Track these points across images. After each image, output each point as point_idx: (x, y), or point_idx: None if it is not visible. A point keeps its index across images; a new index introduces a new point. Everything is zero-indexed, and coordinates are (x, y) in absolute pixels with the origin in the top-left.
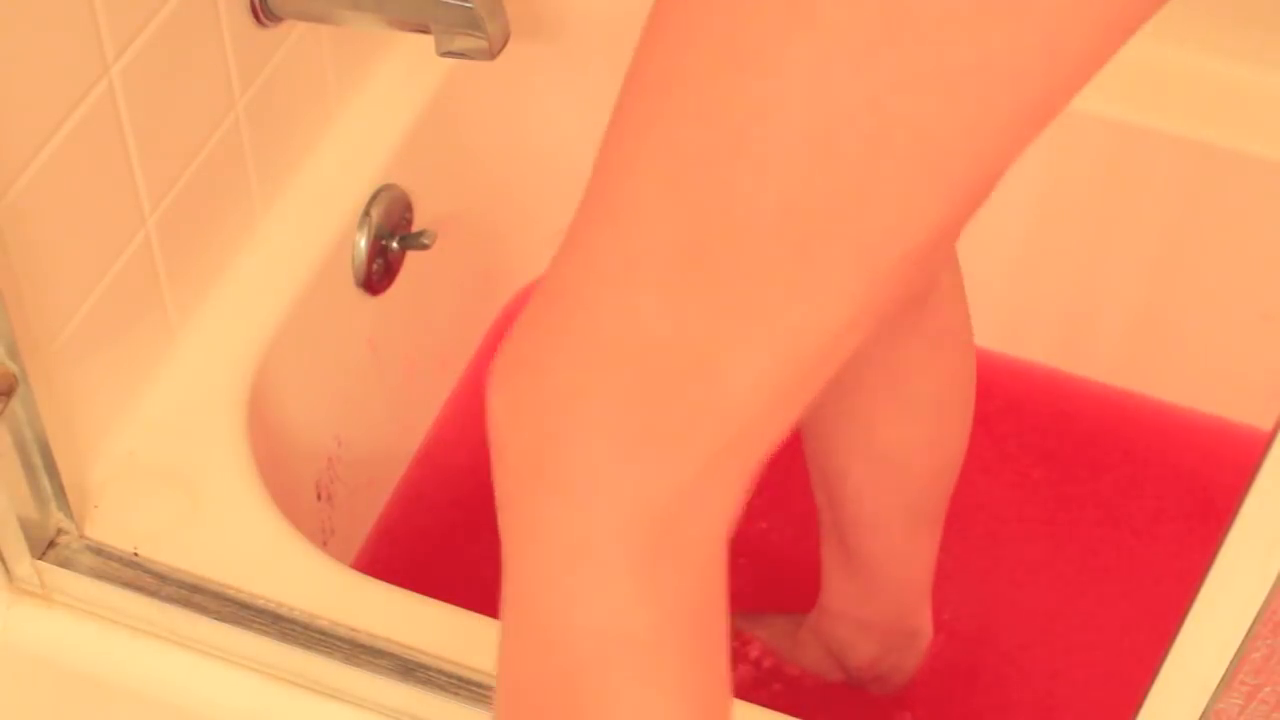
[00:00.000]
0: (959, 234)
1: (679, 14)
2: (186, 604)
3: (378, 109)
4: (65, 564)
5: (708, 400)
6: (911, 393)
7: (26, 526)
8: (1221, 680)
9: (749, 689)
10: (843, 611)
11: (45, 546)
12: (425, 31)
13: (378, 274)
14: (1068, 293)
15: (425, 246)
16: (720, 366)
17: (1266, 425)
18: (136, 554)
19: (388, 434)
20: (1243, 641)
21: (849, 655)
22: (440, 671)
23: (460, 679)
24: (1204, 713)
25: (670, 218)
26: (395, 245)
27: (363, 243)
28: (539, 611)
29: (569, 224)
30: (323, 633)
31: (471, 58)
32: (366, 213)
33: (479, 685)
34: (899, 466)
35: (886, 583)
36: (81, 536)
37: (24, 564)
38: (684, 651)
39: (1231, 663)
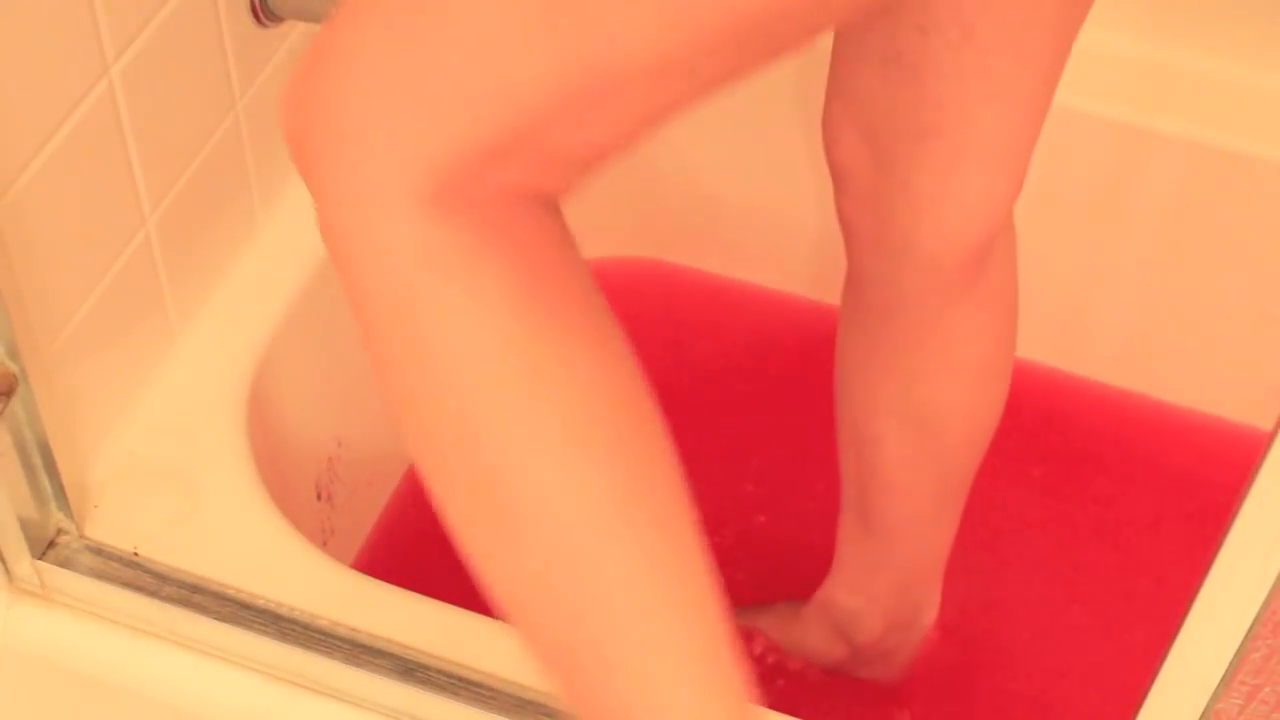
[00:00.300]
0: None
1: None
2: (186, 604)
3: None
4: (65, 564)
5: (485, 82)
6: (958, 356)
7: (26, 526)
8: (1221, 680)
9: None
10: (854, 581)
11: (45, 546)
12: None
13: None
14: (1067, 293)
15: None
16: (501, 52)
17: (1266, 425)
18: (136, 554)
19: (388, 434)
20: (1243, 641)
21: (856, 630)
22: (440, 671)
23: (460, 679)
24: (1204, 713)
25: None
26: None
27: None
28: (355, 272)
29: None
30: (323, 633)
31: None
32: None
33: (479, 685)
34: (936, 431)
35: (903, 553)
36: (81, 536)
37: (24, 564)
38: (500, 271)
39: (1231, 663)
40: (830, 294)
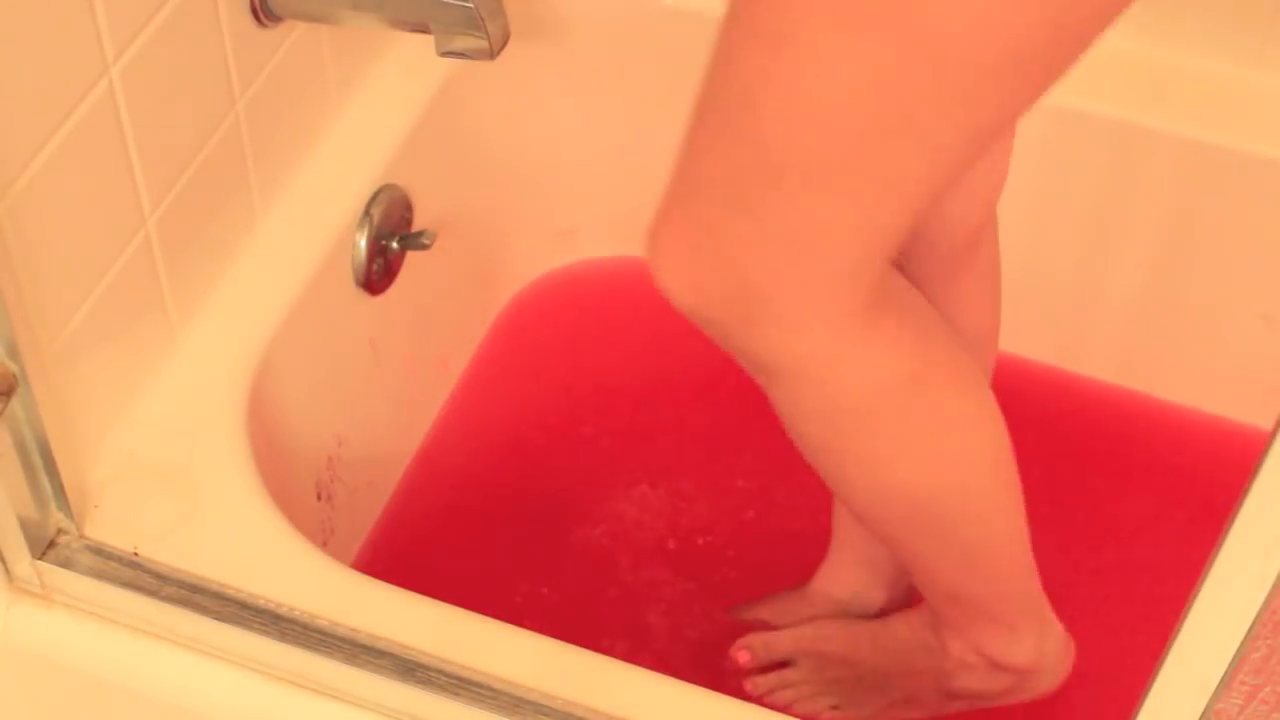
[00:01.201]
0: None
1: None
2: (186, 604)
3: (378, 109)
4: (65, 564)
5: (841, 250)
6: (959, 326)
7: (26, 526)
8: (1221, 680)
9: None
10: (854, 551)
11: (45, 546)
12: (425, 31)
13: (378, 274)
14: (1067, 292)
15: (425, 246)
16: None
17: (1266, 424)
18: (136, 554)
19: (388, 434)
20: (1243, 641)
21: (860, 603)
22: (440, 671)
23: (460, 679)
24: (1204, 713)
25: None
26: (395, 245)
27: (363, 243)
28: (825, 410)
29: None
30: (323, 633)
31: (471, 58)
32: (366, 213)
33: (479, 685)
34: None
35: None
36: (81, 536)
37: (24, 564)
38: (940, 368)
39: (1231, 663)
40: None
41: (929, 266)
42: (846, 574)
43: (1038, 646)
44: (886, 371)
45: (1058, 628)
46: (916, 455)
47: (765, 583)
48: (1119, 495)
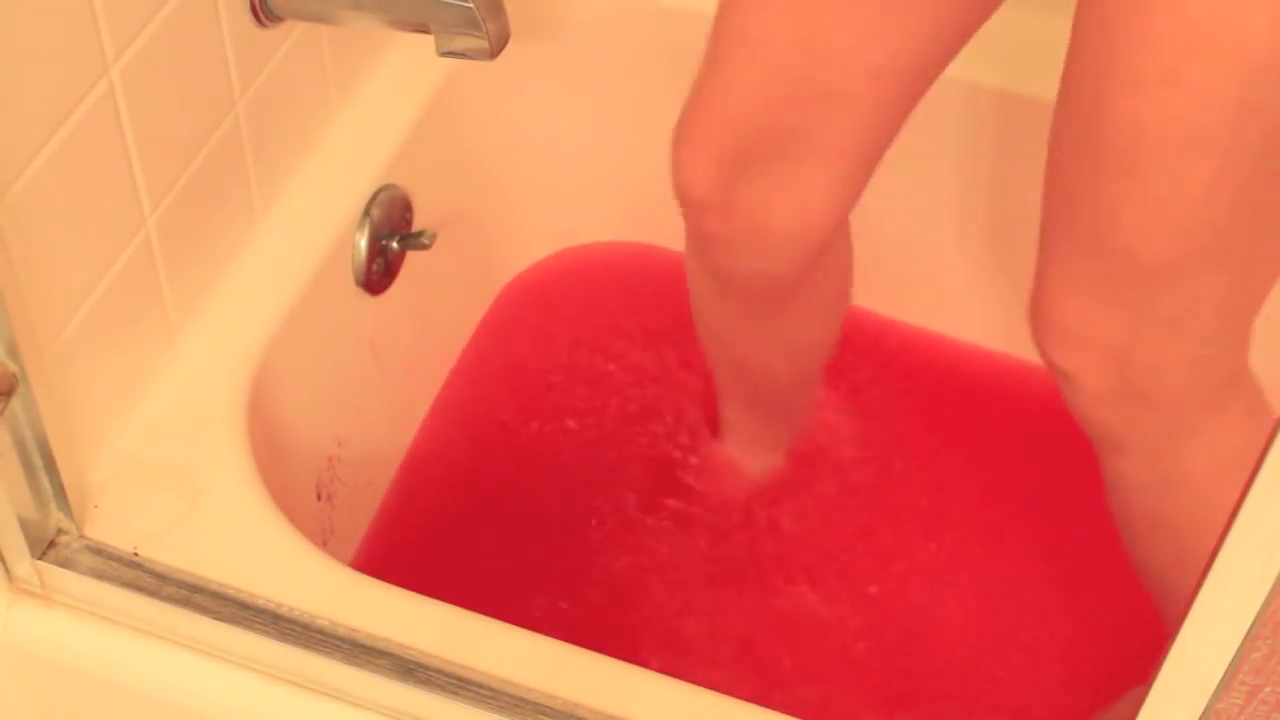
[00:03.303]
0: None
1: None
2: (186, 604)
3: (378, 109)
4: (65, 564)
5: (1213, 332)
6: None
7: (26, 526)
8: (1221, 680)
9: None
10: (743, 440)
11: (45, 546)
12: (425, 31)
13: (378, 274)
14: None
15: (425, 246)
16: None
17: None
18: (136, 554)
19: (388, 434)
20: (1243, 641)
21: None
22: (440, 671)
23: (460, 679)
24: (1204, 713)
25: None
26: (395, 245)
27: (363, 243)
28: (1166, 482)
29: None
30: (323, 633)
31: (471, 58)
32: (366, 213)
33: (479, 685)
34: (803, 351)
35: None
36: (81, 536)
37: (24, 564)
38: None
39: (1231, 663)
40: None
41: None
42: (733, 453)
43: None
44: (1225, 448)
45: None
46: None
47: (765, 573)
48: None
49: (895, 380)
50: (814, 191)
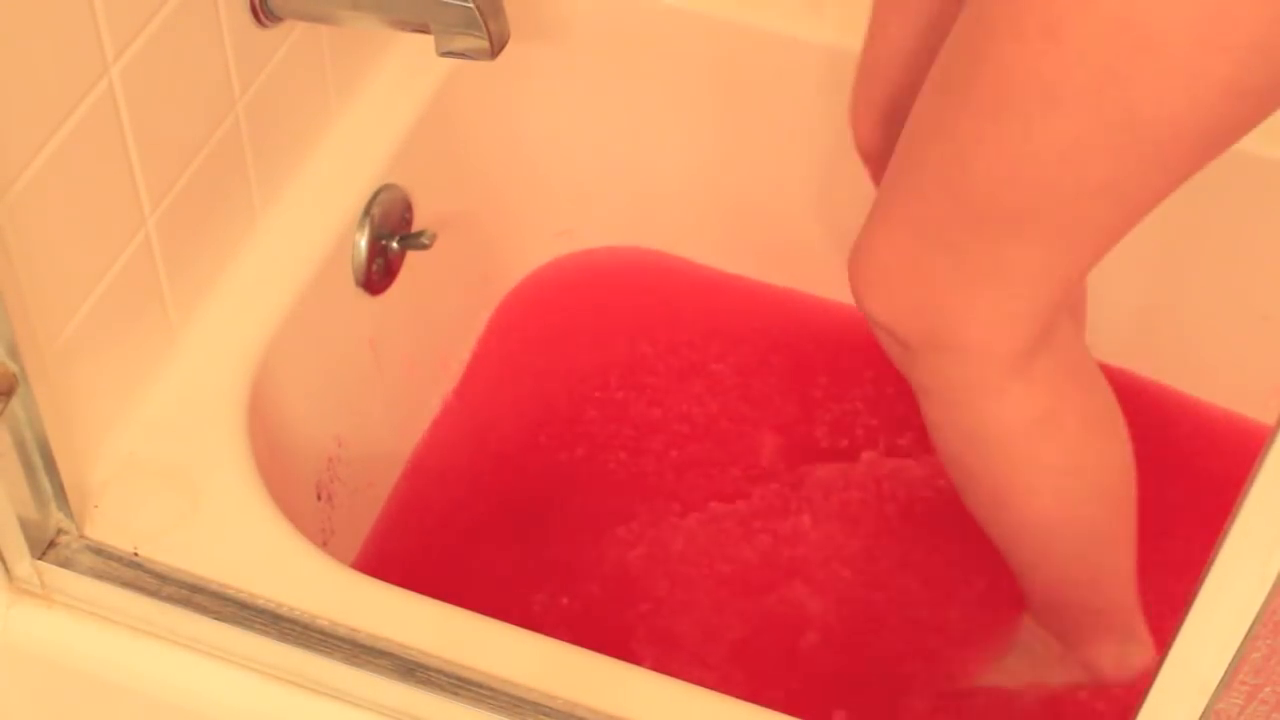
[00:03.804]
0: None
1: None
2: (186, 604)
3: (378, 109)
4: (65, 564)
5: (1029, 290)
6: None
7: (26, 526)
8: (1221, 680)
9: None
10: None
11: (45, 546)
12: (425, 31)
13: (378, 274)
14: None
15: (425, 246)
16: (1032, 272)
17: (1267, 420)
18: (136, 554)
19: (388, 434)
20: (1243, 641)
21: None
22: (440, 671)
23: (460, 679)
24: (1204, 713)
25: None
26: (395, 245)
27: (363, 243)
28: (971, 434)
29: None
30: (323, 633)
31: (471, 58)
32: (366, 213)
33: (479, 685)
34: None
35: None
36: (81, 536)
37: (24, 564)
38: (1076, 410)
39: (1231, 663)
40: (824, 289)
41: None
42: None
43: (1119, 656)
44: (1030, 406)
45: (1145, 637)
46: (1044, 489)
47: (770, 574)
48: None
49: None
50: None
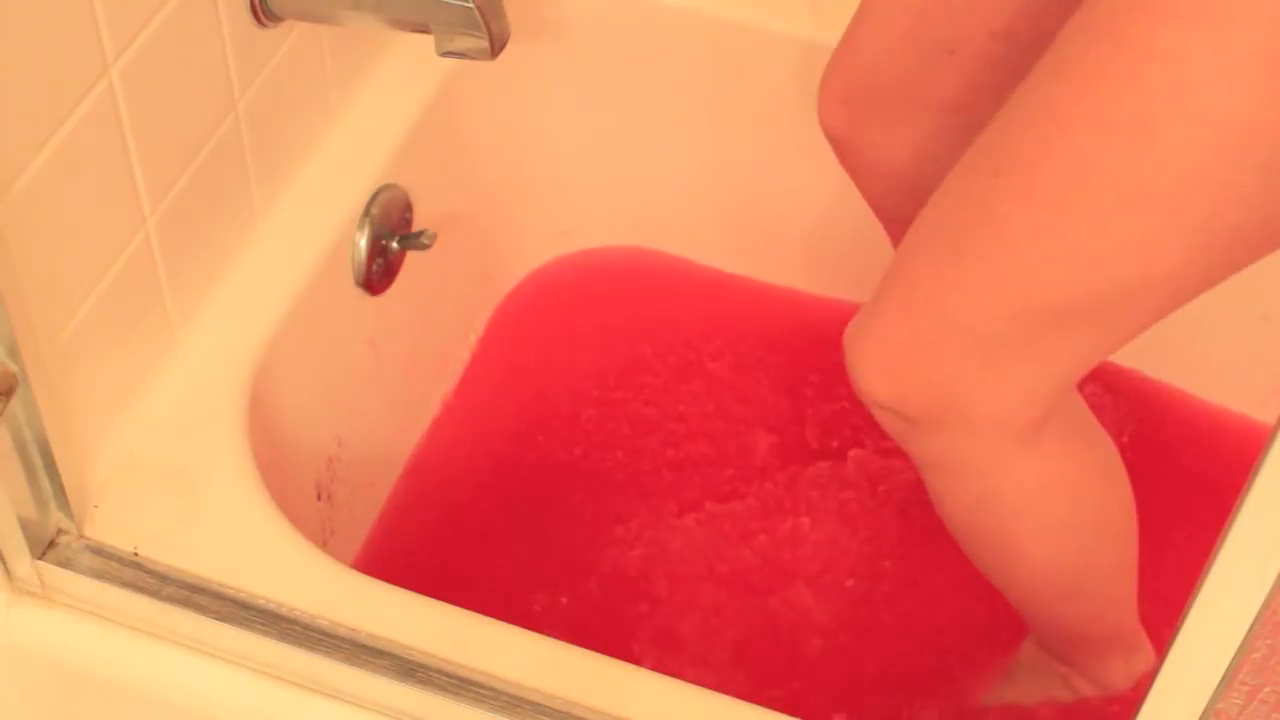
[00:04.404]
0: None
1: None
2: (186, 604)
3: (378, 109)
4: (65, 564)
5: (1057, 372)
6: None
7: (26, 526)
8: (1221, 680)
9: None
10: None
11: (45, 546)
12: (425, 31)
13: (378, 274)
14: None
15: (425, 246)
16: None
17: (1268, 419)
18: (136, 554)
19: (388, 434)
20: (1243, 641)
21: None
22: (440, 671)
23: (460, 679)
24: (1204, 713)
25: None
26: (395, 245)
27: (363, 243)
28: (979, 503)
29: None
30: (323, 633)
31: (471, 58)
32: (366, 213)
33: (479, 685)
34: None
35: None
36: (81, 536)
37: (24, 564)
38: (1084, 465)
39: (1231, 663)
40: (823, 287)
41: None
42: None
43: (1125, 669)
44: (1042, 473)
45: (1146, 646)
46: (1052, 543)
47: (770, 574)
48: None
49: None
50: (927, 136)
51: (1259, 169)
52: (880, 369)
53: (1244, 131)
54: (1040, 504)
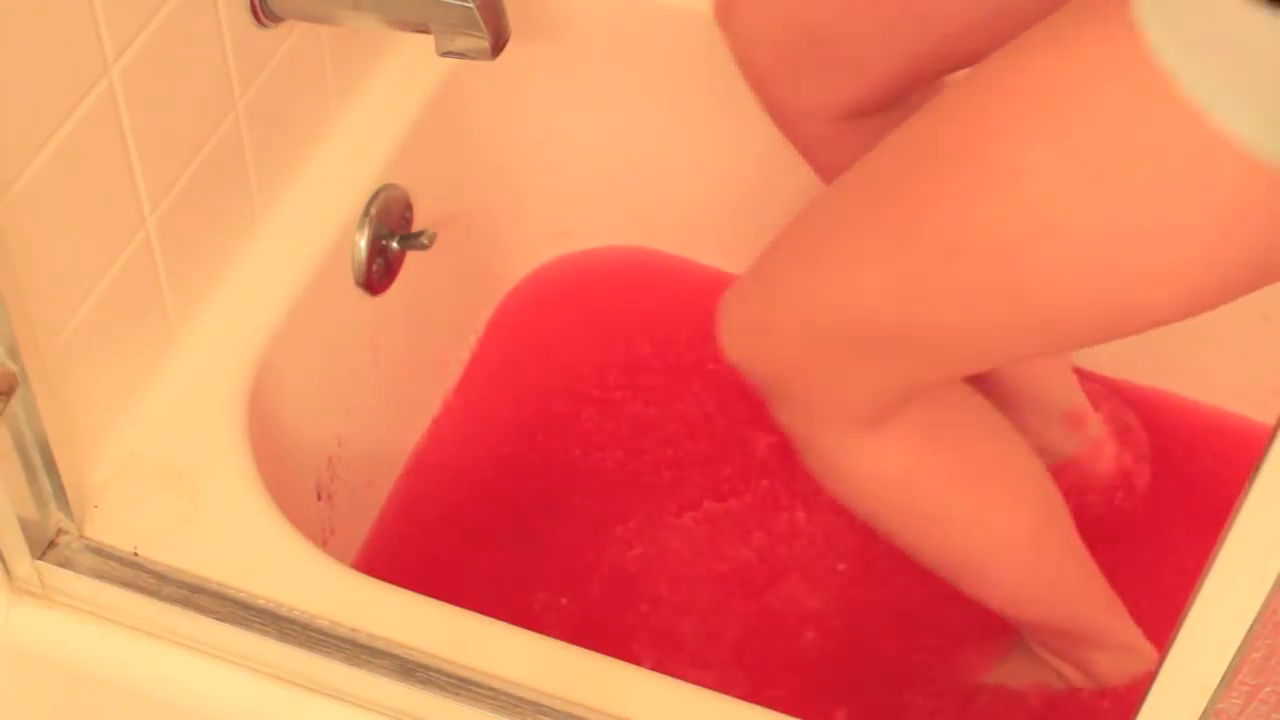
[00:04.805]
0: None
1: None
2: (186, 604)
3: (378, 109)
4: (65, 564)
5: (884, 387)
6: None
7: (26, 526)
8: (1221, 680)
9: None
10: None
11: (45, 546)
12: (425, 31)
13: (378, 274)
14: None
15: (425, 246)
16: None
17: (1268, 420)
18: (136, 554)
19: (388, 434)
20: (1243, 641)
21: None
22: (440, 671)
23: (460, 679)
24: (1204, 713)
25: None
26: (395, 245)
27: (363, 243)
28: (838, 481)
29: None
30: (323, 633)
31: (471, 58)
32: (366, 213)
33: (479, 685)
34: None
35: None
36: (81, 536)
37: (24, 564)
38: (938, 467)
39: (1231, 663)
40: None
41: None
42: None
43: (1113, 665)
44: (880, 469)
45: (1141, 648)
46: (919, 537)
47: (769, 572)
48: (1117, 494)
49: None
50: (859, 87)
51: (1060, 256)
52: (734, 336)
53: (1060, 222)
54: (887, 492)
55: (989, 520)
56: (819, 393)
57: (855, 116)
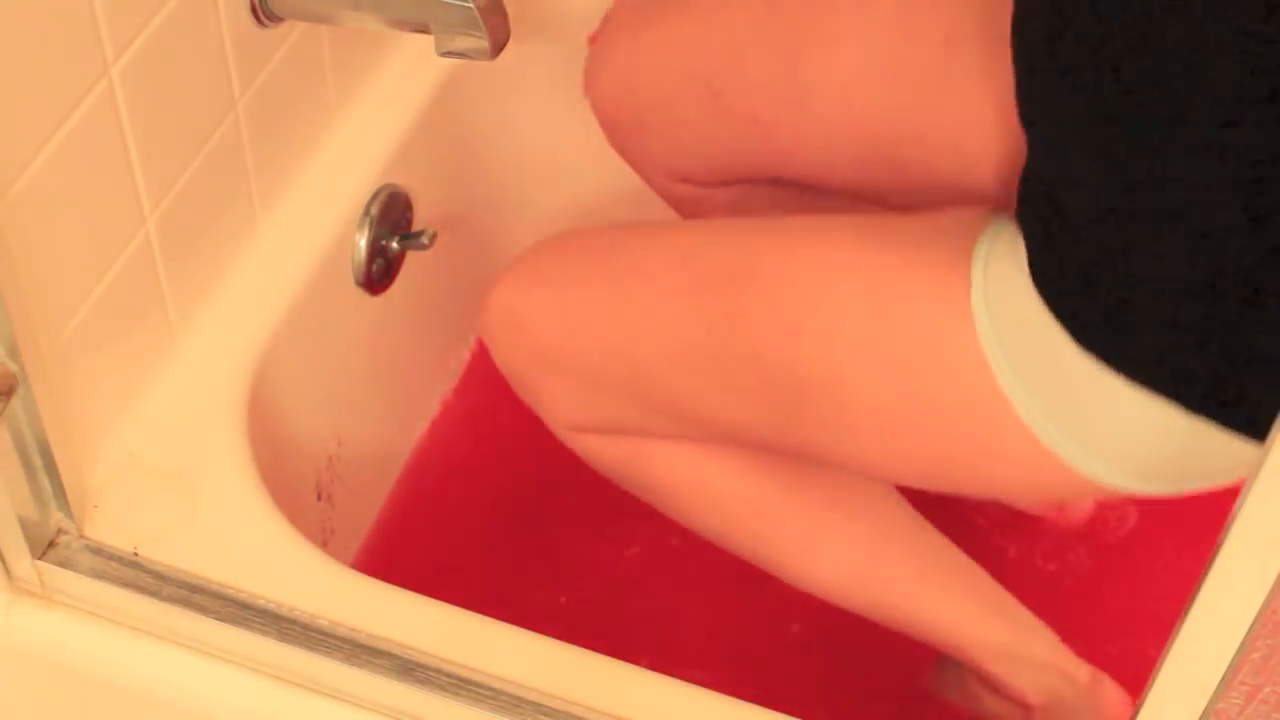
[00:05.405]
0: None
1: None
2: (186, 604)
3: (378, 109)
4: (65, 564)
5: (602, 416)
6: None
7: (26, 526)
8: (1221, 680)
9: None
10: None
11: (45, 546)
12: (425, 31)
13: (378, 274)
14: None
15: (425, 246)
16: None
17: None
18: (136, 554)
19: (387, 434)
20: (1243, 641)
21: None
22: (440, 671)
23: (460, 679)
24: (1204, 713)
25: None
26: (395, 245)
27: (362, 243)
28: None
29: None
30: (323, 633)
31: (471, 58)
32: (366, 213)
33: (479, 685)
34: None
35: None
36: (81, 536)
37: (24, 564)
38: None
39: (1231, 663)
40: None
41: None
42: None
43: (1035, 682)
44: (598, 463)
45: (1076, 671)
46: (692, 524)
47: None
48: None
49: None
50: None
51: (837, 406)
52: (500, 310)
53: (847, 380)
54: (623, 470)
55: (749, 527)
56: (542, 394)
57: (692, 185)
